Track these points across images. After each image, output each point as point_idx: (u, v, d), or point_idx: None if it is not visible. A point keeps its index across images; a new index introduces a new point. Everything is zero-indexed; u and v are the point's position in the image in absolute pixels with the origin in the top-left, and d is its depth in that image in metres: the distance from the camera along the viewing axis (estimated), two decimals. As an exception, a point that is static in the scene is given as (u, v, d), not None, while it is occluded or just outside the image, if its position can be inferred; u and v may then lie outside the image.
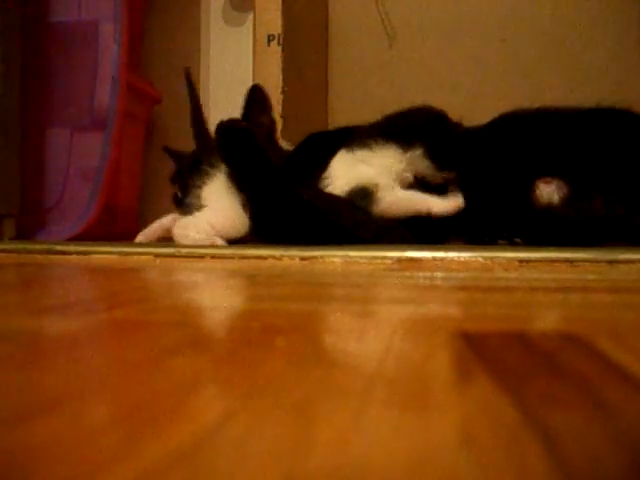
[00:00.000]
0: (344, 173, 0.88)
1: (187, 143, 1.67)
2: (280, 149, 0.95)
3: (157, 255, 0.72)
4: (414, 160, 0.89)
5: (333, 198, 0.86)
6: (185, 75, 1.07)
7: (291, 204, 0.83)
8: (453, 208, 0.86)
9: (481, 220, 0.87)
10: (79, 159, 1.41)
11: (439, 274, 0.54)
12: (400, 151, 0.89)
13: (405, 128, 0.91)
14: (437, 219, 0.86)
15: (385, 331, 0.27)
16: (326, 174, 0.87)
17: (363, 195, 0.87)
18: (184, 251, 0.72)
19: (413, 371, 0.20)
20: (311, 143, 0.86)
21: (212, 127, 1.70)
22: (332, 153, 0.86)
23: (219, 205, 0.88)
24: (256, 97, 1.02)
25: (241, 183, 0.86)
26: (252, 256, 0.69)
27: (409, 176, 0.89)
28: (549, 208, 0.82)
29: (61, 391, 0.17)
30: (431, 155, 0.87)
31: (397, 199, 0.87)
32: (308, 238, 0.78)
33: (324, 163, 0.87)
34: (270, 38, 1.24)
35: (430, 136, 0.89)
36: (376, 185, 0.87)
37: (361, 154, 0.89)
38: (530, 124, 0.89)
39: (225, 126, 0.86)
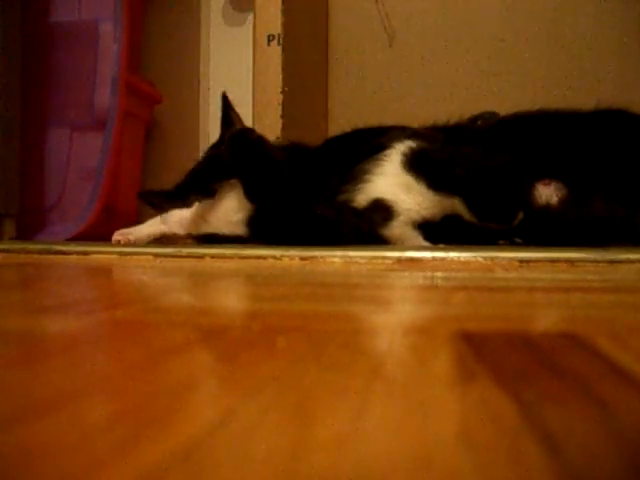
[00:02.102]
0: (382, 186, 0.86)
1: (187, 143, 1.67)
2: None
3: (157, 255, 0.72)
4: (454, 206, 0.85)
5: (347, 215, 0.85)
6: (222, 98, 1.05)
7: (302, 217, 0.82)
8: None
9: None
10: (79, 159, 1.41)
11: (439, 274, 0.54)
12: (438, 197, 0.85)
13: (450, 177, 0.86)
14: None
15: (385, 331, 0.27)
16: (365, 179, 0.86)
17: (383, 210, 0.85)
18: (184, 251, 0.72)
19: (413, 371, 0.20)
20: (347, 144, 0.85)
21: (212, 128, 1.70)
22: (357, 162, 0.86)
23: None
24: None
25: (251, 193, 0.85)
26: (252, 256, 0.69)
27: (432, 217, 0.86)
28: (548, 209, 0.82)
29: (61, 391, 0.17)
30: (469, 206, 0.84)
31: (404, 235, 0.85)
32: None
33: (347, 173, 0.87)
34: (270, 38, 1.24)
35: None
36: (399, 212, 0.86)
37: (407, 180, 0.86)
38: (529, 126, 0.89)
39: (237, 136, 0.85)
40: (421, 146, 0.87)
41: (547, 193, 0.82)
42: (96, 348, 0.25)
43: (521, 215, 0.81)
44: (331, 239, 0.80)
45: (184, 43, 1.68)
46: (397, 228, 0.85)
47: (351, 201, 0.88)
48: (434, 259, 0.64)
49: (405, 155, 0.87)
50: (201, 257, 0.70)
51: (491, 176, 0.82)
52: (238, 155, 0.85)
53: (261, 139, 0.85)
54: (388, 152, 0.88)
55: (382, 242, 0.86)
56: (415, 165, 0.86)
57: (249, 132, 0.89)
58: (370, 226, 0.85)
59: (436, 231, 0.84)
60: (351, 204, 0.87)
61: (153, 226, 0.99)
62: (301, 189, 0.85)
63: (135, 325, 0.28)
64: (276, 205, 0.84)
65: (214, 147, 1.01)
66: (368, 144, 0.92)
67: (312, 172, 0.90)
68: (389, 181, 0.87)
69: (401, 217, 0.85)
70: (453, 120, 0.94)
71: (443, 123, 0.94)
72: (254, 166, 0.84)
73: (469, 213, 0.82)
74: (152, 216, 1.04)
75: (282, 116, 1.19)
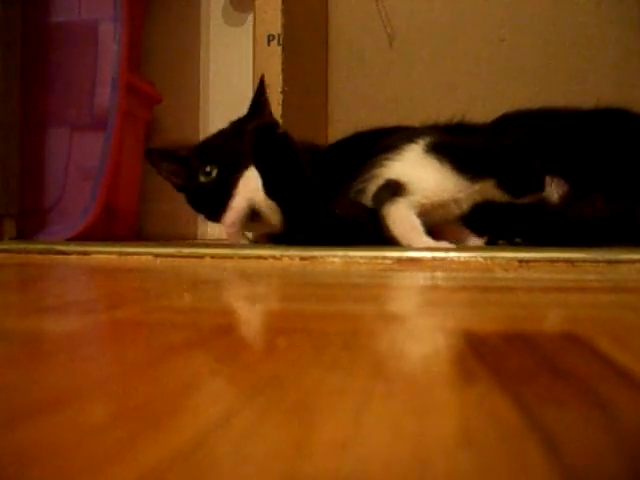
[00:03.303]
0: (405, 167, 0.83)
1: (187, 143, 1.67)
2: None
3: (157, 255, 0.72)
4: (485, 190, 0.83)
5: (359, 212, 0.84)
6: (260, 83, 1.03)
7: (322, 216, 0.82)
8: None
9: (482, 220, 0.86)
10: (79, 159, 1.41)
11: (439, 274, 0.54)
12: (467, 183, 0.82)
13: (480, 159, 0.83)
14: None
15: (385, 331, 0.27)
16: (381, 165, 0.84)
17: (392, 188, 0.82)
18: (184, 251, 0.72)
19: (413, 371, 0.20)
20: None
21: (212, 128, 1.71)
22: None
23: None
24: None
25: (271, 189, 0.83)
26: (252, 256, 0.69)
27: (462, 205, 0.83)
28: (548, 206, 0.82)
29: (61, 391, 0.17)
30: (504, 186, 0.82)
31: (403, 216, 0.81)
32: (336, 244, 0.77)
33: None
34: (270, 38, 1.24)
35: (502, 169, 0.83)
36: (411, 191, 0.82)
37: (429, 161, 0.83)
38: (530, 124, 0.89)
39: (262, 131, 0.84)
40: (444, 138, 0.85)
41: (548, 190, 0.82)
42: (96, 348, 0.25)
43: (548, 180, 0.80)
44: (348, 238, 0.80)
45: (184, 43, 1.68)
46: (403, 208, 0.80)
47: (363, 191, 0.86)
48: (434, 259, 0.64)
49: (428, 144, 0.84)
50: (201, 257, 0.70)
51: (518, 150, 0.81)
52: (261, 149, 0.83)
53: (286, 136, 0.83)
54: (407, 145, 0.85)
55: (383, 233, 0.85)
56: (439, 149, 0.83)
57: (275, 127, 0.87)
58: (376, 204, 0.83)
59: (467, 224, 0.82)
60: (362, 194, 0.86)
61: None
62: (320, 189, 0.84)
63: (135, 325, 0.28)
64: (293, 203, 0.83)
65: (239, 122, 1.00)
66: (380, 143, 0.91)
67: (324, 172, 0.89)
68: (407, 164, 0.84)
69: (412, 197, 0.81)
70: (455, 119, 0.94)
71: (445, 122, 0.94)
72: (276, 163, 0.82)
73: (501, 193, 0.81)
74: (153, 216, 1.04)
75: (282, 116, 1.19)
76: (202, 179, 0.93)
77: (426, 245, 0.77)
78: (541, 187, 0.81)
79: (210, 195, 0.92)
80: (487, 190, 0.81)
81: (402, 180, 0.82)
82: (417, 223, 0.80)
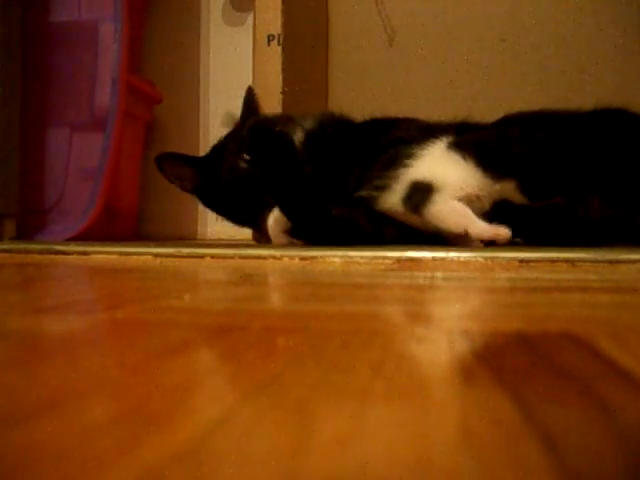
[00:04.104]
0: (429, 165, 0.82)
1: (187, 143, 1.67)
2: None
3: (157, 255, 0.72)
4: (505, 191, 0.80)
5: (359, 216, 0.84)
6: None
7: (319, 216, 0.81)
8: (493, 237, 0.76)
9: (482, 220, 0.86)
10: (79, 159, 1.41)
11: (439, 274, 0.54)
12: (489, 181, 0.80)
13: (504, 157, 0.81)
14: None
15: (385, 331, 0.27)
16: (410, 158, 0.82)
17: (422, 190, 0.81)
18: (184, 251, 0.72)
19: (413, 371, 0.20)
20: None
21: (212, 128, 1.70)
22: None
23: None
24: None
25: (269, 187, 0.83)
26: (252, 256, 0.69)
27: (483, 202, 0.81)
28: (548, 207, 0.82)
29: (61, 391, 0.17)
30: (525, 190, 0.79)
31: (448, 208, 0.79)
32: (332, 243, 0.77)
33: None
34: (270, 38, 1.24)
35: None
36: (439, 188, 0.81)
37: (452, 157, 0.82)
38: (529, 126, 0.89)
39: (259, 128, 0.83)
40: (466, 135, 0.84)
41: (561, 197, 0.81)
42: (96, 348, 0.25)
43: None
44: (344, 240, 0.80)
45: (184, 43, 1.68)
46: (443, 201, 0.79)
47: (385, 188, 0.84)
48: (434, 259, 0.64)
49: (451, 141, 0.83)
50: (201, 257, 0.70)
51: (546, 150, 0.79)
52: (257, 148, 0.83)
53: (282, 134, 0.83)
54: (430, 142, 0.84)
55: (383, 235, 0.84)
56: (463, 145, 0.82)
57: (272, 125, 0.87)
58: (412, 210, 0.82)
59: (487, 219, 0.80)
60: (385, 192, 0.84)
61: None
62: (320, 185, 0.84)
63: (135, 325, 0.28)
64: (292, 202, 0.83)
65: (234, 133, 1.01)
66: (397, 135, 0.89)
67: (333, 162, 0.89)
68: (430, 162, 0.82)
69: (443, 191, 0.79)
70: (459, 119, 0.94)
71: (448, 121, 0.94)
72: (272, 162, 0.82)
73: (521, 195, 0.79)
74: (153, 216, 1.04)
75: (282, 116, 1.19)
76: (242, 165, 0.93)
77: (484, 229, 0.76)
78: (560, 192, 0.78)
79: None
80: (506, 191, 0.80)
81: (428, 179, 0.81)
82: (464, 208, 0.78)
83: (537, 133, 0.82)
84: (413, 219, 0.84)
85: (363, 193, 0.87)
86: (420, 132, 0.88)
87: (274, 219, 0.89)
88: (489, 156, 0.80)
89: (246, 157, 0.92)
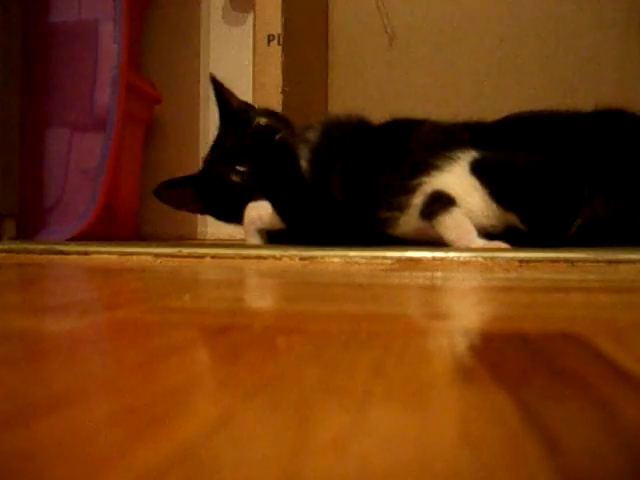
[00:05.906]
0: (453, 181, 0.83)
1: (187, 143, 1.67)
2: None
3: (157, 255, 0.72)
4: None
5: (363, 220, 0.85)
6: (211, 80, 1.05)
7: (316, 222, 0.82)
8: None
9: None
10: (79, 159, 1.41)
11: (439, 274, 0.54)
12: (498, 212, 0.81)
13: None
14: None
15: (385, 331, 0.27)
16: (427, 174, 0.84)
17: (444, 201, 0.82)
18: (184, 251, 0.72)
19: (413, 371, 0.20)
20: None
21: (212, 129, 1.70)
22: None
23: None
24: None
25: (267, 191, 0.85)
26: (252, 256, 0.69)
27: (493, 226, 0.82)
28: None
29: (61, 391, 0.17)
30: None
31: (458, 222, 0.81)
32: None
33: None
34: (270, 38, 1.24)
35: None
36: (460, 204, 0.82)
37: (473, 182, 0.83)
38: (531, 127, 0.89)
39: (262, 134, 0.84)
40: (486, 154, 0.85)
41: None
42: (96, 348, 0.25)
43: (579, 222, 0.78)
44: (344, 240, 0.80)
45: (184, 43, 1.68)
46: (458, 216, 0.81)
47: (410, 192, 0.85)
48: (434, 259, 0.64)
49: (473, 162, 0.84)
50: (201, 257, 0.70)
51: (549, 189, 0.80)
52: (260, 151, 0.84)
53: (284, 143, 0.83)
54: (454, 155, 0.85)
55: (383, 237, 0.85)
56: (482, 171, 0.83)
57: (274, 132, 0.87)
58: (426, 216, 0.83)
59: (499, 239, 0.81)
60: (409, 196, 0.85)
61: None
62: (322, 195, 0.84)
63: (135, 325, 0.28)
64: (289, 206, 0.84)
65: (222, 136, 1.01)
66: (423, 142, 0.90)
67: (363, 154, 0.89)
68: (454, 179, 0.84)
69: (462, 209, 0.81)
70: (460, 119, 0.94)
71: (462, 122, 0.94)
72: (273, 164, 0.83)
73: (522, 225, 0.80)
74: (153, 216, 1.04)
75: (282, 116, 1.19)
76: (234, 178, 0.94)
77: (481, 245, 0.78)
78: (567, 232, 0.78)
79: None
80: (513, 220, 0.81)
81: (452, 194, 0.83)
82: (472, 228, 0.81)
83: (539, 167, 0.82)
84: (419, 232, 0.85)
85: (383, 214, 0.87)
86: (449, 143, 0.88)
87: (249, 219, 0.90)
88: (499, 190, 0.81)
89: (240, 169, 0.93)
